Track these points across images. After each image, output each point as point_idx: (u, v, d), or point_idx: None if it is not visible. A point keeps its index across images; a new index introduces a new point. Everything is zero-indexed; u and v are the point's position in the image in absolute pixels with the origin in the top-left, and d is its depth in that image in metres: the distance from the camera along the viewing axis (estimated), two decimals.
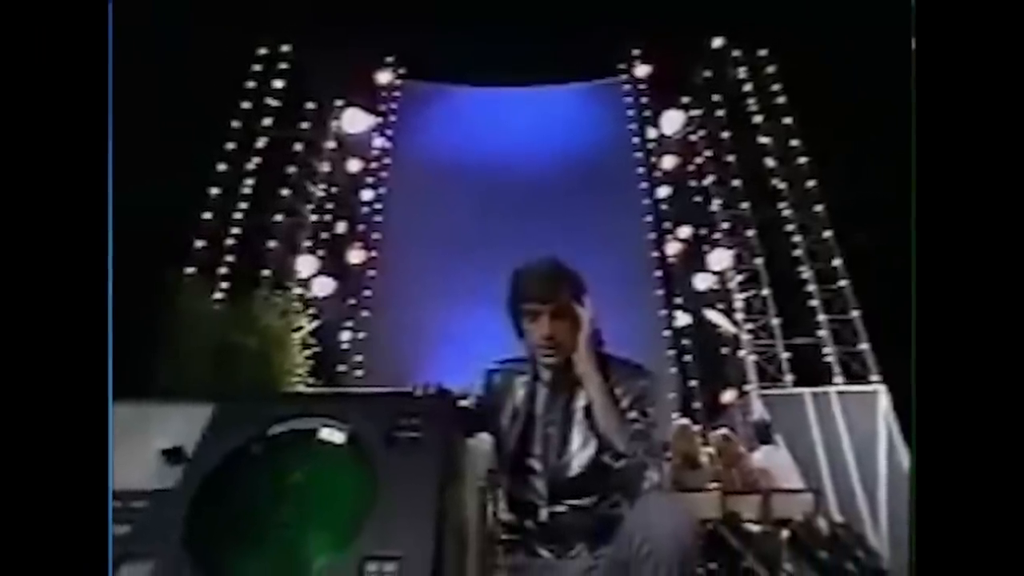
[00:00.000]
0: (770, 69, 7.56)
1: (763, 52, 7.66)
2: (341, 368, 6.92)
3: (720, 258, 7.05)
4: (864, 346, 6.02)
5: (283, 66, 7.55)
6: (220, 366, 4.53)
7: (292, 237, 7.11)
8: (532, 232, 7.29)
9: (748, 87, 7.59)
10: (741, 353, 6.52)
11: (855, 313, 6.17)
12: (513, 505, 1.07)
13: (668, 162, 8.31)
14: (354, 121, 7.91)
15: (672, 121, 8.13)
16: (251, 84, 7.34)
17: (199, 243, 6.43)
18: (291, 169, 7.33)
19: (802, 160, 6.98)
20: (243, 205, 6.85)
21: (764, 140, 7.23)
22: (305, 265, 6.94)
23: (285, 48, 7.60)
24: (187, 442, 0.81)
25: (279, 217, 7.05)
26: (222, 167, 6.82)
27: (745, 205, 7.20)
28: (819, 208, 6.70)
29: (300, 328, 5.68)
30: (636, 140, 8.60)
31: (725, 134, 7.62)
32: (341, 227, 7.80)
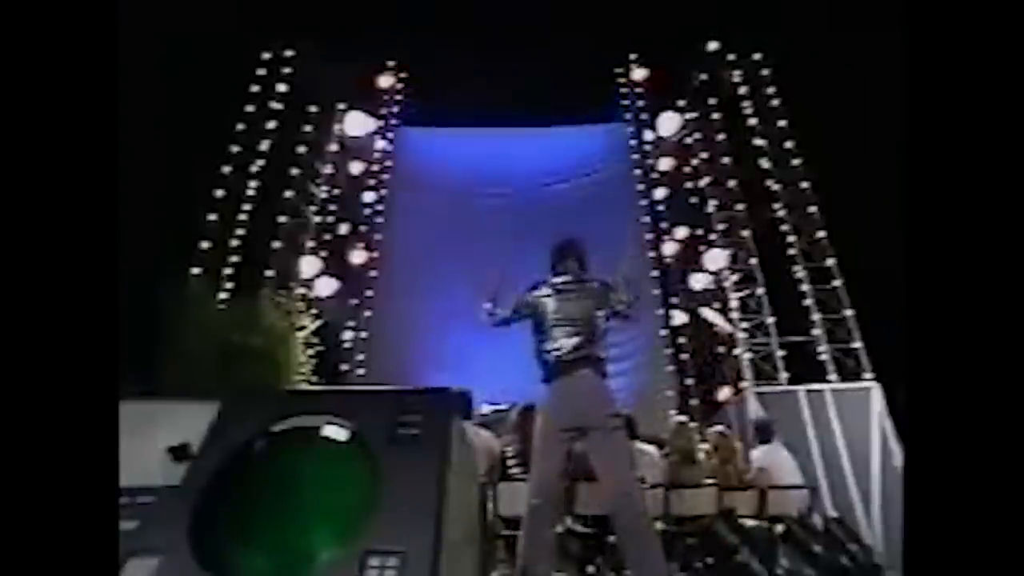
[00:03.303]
0: (764, 72, 7.63)
1: (757, 56, 7.73)
2: (344, 367, 6.95)
3: (716, 258, 7.11)
4: (858, 344, 6.08)
5: (286, 70, 7.60)
6: (225, 365, 4.52)
7: (295, 238, 7.16)
8: (532, 232, 7.31)
9: (743, 90, 7.66)
10: (737, 351, 6.57)
11: (848, 312, 6.23)
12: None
13: (665, 164, 8.37)
14: (356, 124, 7.97)
15: (668, 124, 8.18)
16: (255, 87, 7.39)
17: (204, 244, 6.46)
18: (294, 171, 7.38)
19: (796, 162, 7.04)
20: (247, 207, 6.89)
21: (759, 142, 7.29)
22: (308, 265, 7.00)
23: (288, 52, 7.64)
24: (193, 439, 0.82)
25: (283, 218, 7.10)
26: (226, 169, 6.86)
27: (740, 206, 7.26)
28: (812, 209, 6.77)
29: (303, 327, 5.70)
30: (638, 171, 8.42)
31: (720, 136, 7.68)
32: (343, 228, 7.84)
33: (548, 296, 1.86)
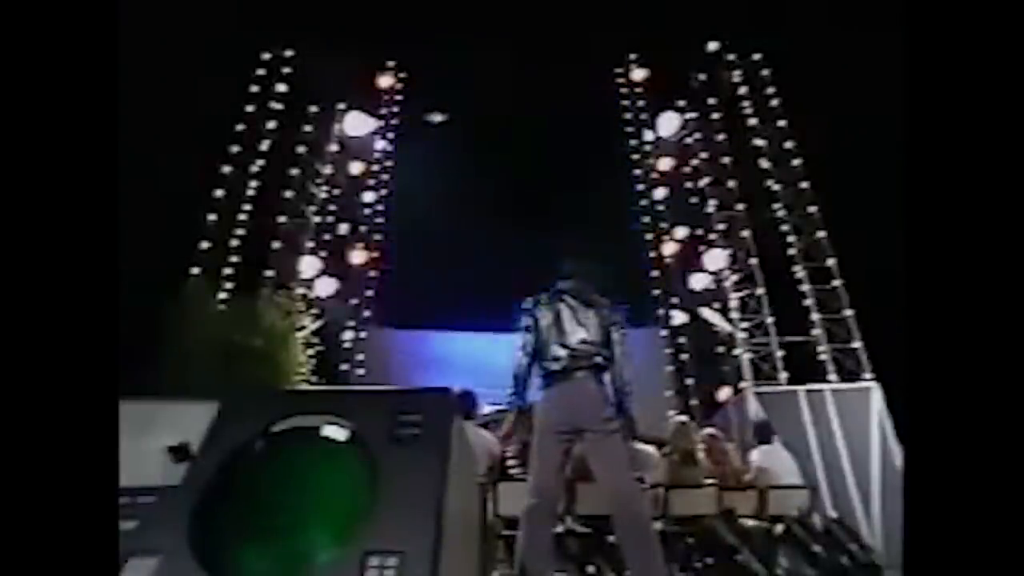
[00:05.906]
0: (764, 72, 7.64)
1: (757, 56, 7.74)
2: (343, 367, 6.97)
3: (716, 258, 7.12)
4: (857, 344, 6.08)
5: (286, 70, 7.62)
6: (225, 365, 4.54)
7: (295, 238, 7.18)
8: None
9: (743, 90, 7.67)
10: (736, 351, 6.58)
11: (848, 312, 6.24)
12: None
13: (664, 164, 8.39)
14: (356, 124, 7.99)
15: (668, 124, 8.20)
16: (255, 88, 7.41)
17: (204, 244, 6.47)
18: (294, 171, 7.40)
19: (795, 162, 7.05)
20: (247, 207, 6.91)
21: (758, 142, 7.30)
22: (308, 266, 7.02)
23: (288, 53, 7.66)
24: (192, 439, 0.82)
25: (282, 219, 7.11)
26: (226, 169, 6.88)
27: (740, 206, 7.27)
28: (812, 209, 6.77)
29: (303, 327, 5.70)
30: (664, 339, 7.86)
31: (720, 136, 7.69)
32: (343, 228, 7.85)
33: (551, 307, 1.89)
